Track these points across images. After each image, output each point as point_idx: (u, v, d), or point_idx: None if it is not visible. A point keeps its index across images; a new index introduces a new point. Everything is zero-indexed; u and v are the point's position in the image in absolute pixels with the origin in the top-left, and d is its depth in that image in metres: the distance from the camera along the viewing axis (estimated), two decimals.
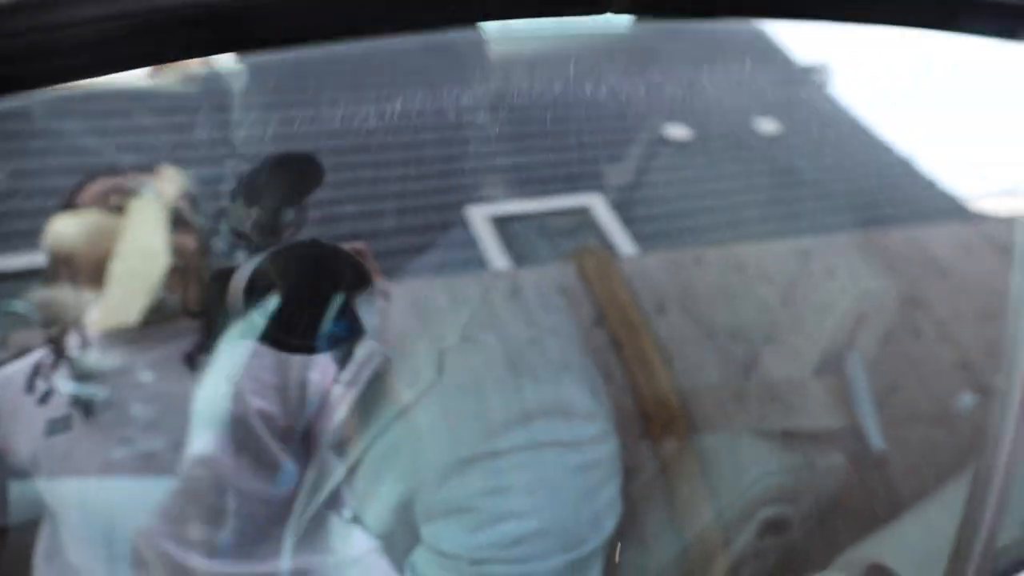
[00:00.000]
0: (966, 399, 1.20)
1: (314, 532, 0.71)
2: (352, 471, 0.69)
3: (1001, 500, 0.58)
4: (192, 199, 1.58)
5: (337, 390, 0.75)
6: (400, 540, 0.67)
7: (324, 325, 0.68)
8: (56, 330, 1.60)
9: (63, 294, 1.73)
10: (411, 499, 0.65)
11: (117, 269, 1.54)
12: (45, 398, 0.96)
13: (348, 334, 0.73)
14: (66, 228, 1.81)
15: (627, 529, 0.70)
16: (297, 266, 1.63)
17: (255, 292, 1.87)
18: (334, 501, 0.70)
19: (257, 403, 0.80)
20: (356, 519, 0.69)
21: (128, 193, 1.79)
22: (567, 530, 0.63)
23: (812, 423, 0.76)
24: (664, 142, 1.53)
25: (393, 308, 0.73)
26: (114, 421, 1.02)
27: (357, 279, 0.69)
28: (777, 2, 0.65)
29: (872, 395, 0.75)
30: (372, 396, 0.69)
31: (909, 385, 0.91)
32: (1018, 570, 0.60)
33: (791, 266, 0.84)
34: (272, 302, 1.52)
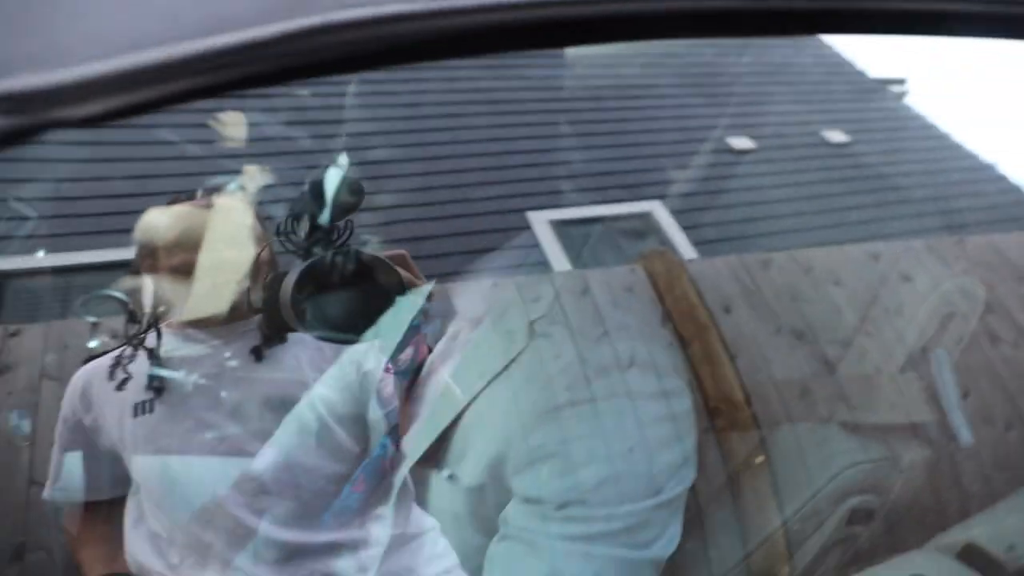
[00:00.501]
0: None
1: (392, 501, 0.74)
2: (446, 434, 0.72)
3: None
4: (274, 196, 1.64)
5: (390, 378, 0.79)
6: (491, 494, 0.71)
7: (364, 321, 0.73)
8: (146, 317, 1.66)
9: (153, 283, 1.79)
10: (504, 453, 0.69)
11: (206, 261, 1.60)
12: (122, 385, 1.01)
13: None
14: (158, 220, 1.87)
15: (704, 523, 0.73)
16: (338, 272, 1.69)
17: (302, 294, 1.94)
18: (430, 459, 0.73)
19: (320, 390, 0.85)
20: (452, 476, 0.73)
21: (215, 189, 1.85)
22: (648, 475, 0.65)
23: (899, 417, 0.78)
24: (729, 151, 1.56)
25: (458, 304, 0.77)
26: (193, 405, 1.07)
27: (392, 283, 0.75)
28: (847, 19, 0.68)
29: (957, 392, 0.77)
30: (462, 369, 0.73)
31: (983, 389, 0.93)
32: None
33: (862, 269, 0.86)
34: (322, 302, 1.58)
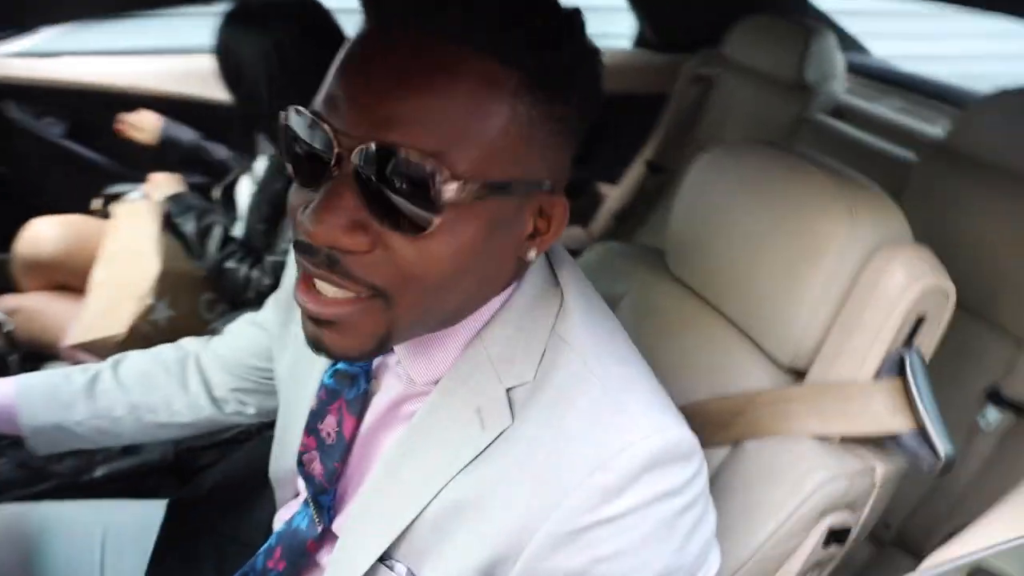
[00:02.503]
0: (990, 415, 1.21)
1: None
2: (409, 524, 0.60)
3: None
4: (184, 204, 1.50)
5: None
6: None
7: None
8: (28, 338, 1.48)
9: (36, 301, 1.61)
10: (501, 562, 0.57)
11: (100, 276, 1.45)
12: None
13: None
14: (44, 232, 1.70)
15: None
16: (254, 289, 1.55)
17: (212, 313, 1.78)
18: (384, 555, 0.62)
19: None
20: (412, 572, 0.62)
21: (114, 197, 1.69)
22: (676, 570, 0.56)
23: (874, 427, 0.73)
24: None
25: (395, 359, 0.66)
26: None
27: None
28: None
29: (935, 399, 0.72)
30: (415, 448, 0.62)
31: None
32: None
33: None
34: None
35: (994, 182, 1.20)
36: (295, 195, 0.54)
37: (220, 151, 1.76)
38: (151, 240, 1.43)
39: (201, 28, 1.85)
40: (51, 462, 1.18)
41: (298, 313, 0.59)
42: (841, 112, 1.78)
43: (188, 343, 0.96)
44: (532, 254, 0.57)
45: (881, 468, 0.75)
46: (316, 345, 0.56)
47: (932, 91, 1.84)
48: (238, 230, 1.55)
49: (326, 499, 0.70)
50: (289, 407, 0.77)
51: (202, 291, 1.48)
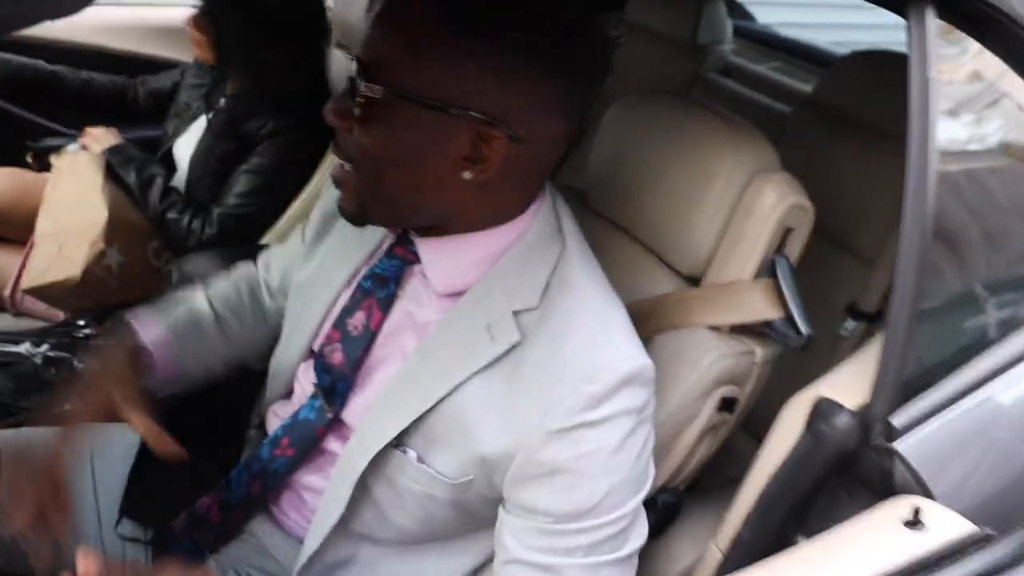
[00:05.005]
0: (849, 324, 1.45)
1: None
2: (423, 415, 0.75)
3: (904, 349, 0.77)
4: (125, 156, 1.56)
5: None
6: (475, 487, 0.75)
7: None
8: None
9: None
10: (498, 461, 0.72)
11: (45, 225, 1.49)
12: None
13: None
14: None
15: None
16: (195, 237, 1.66)
17: (160, 260, 1.88)
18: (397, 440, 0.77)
19: None
20: (421, 459, 0.76)
21: (50, 150, 1.72)
22: (635, 479, 0.73)
23: (755, 316, 0.93)
24: None
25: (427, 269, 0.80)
26: None
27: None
28: None
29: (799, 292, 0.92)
30: (434, 351, 0.76)
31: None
32: (913, 397, 0.79)
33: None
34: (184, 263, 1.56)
35: (852, 131, 1.43)
36: None
37: (82, 75, 1.79)
38: (95, 189, 1.48)
39: None
40: (16, 398, 1.24)
41: (334, 229, 0.88)
42: (729, 71, 2.00)
43: (247, 270, 1.09)
44: (467, 175, 0.70)
45: (760, 351, 0.95)
46: (338, 202, 0.77)
47: (805, 53, 2.08)
48: (177, 181, 1.62)
49: (342, 386, 0.83)
50: (304, 310, 0.90)
51: (150, 239, 1.54)
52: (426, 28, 0.66)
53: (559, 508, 0.70)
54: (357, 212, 0.76)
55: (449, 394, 0.73)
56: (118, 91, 1.80)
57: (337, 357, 0.84)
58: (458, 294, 0.77)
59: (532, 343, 0.72)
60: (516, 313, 0.73)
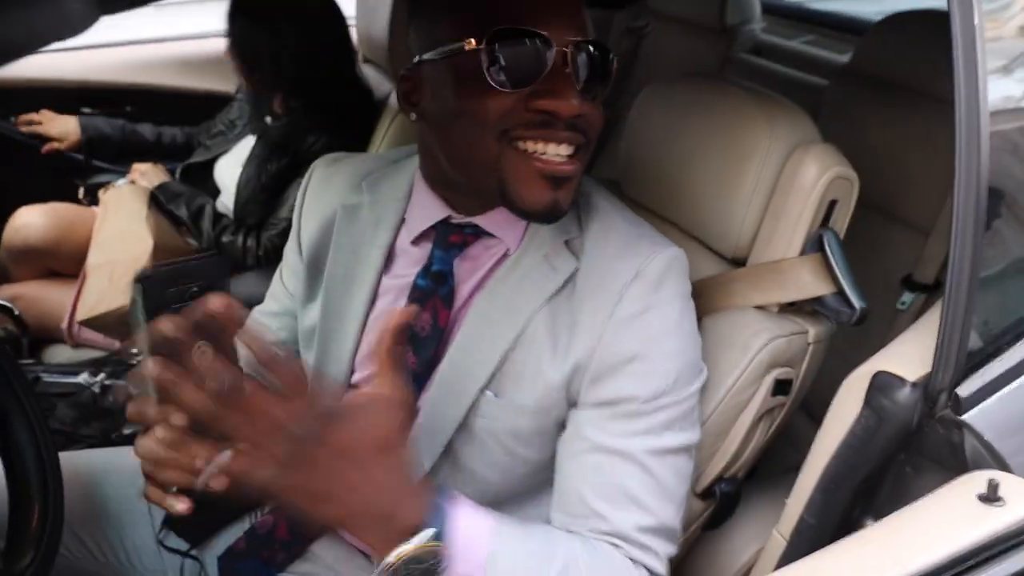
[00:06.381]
0: (906, 297, 1.40)
1: None
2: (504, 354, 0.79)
3: (966, 318, 0.73)
4: (172, 192, 1.59)
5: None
6: (554, 410, 0.79)
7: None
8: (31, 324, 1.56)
9: (32, 289, 1.68)
10: (580, 368, 0.77)
11: (96, 259, 1.54)
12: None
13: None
14: (31, 221, 1.77)
15: None
16: (252, 256, 1.69)
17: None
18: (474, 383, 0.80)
19: None
20: (499, 396, 0.79)
21: (99, 186, 1.77)
22: (695, 362, 0.80)
23: (804, 294, 0.89)
24: None
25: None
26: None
27: None
28: None
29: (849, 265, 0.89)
30: (502, 299, 0.80)
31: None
32: (979, 367, 0.75)
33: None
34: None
35: (893, 97, 1.38)
36: (499, 101, 0.72)
37: (168, 133, 1.86)
38: (140, 221, 1.52)
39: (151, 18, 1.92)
40: (78, 426, 1.28)
41: (328, 259, 0.88)
42: (760, 49, 1.95)
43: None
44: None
45: (813, 330, 0.92)
46: (551, 208, 0.75)
47: (839, 24, 2.02)
48: (220, 205, 1.65)
49: (418, 383, 0.82)
50: (326, 345, 0.89)
51: None
52: None
53: (641, 391, 0.75)
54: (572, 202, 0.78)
55: (524, 329, 0.78)
56: (187, 141, 1.86)
57: (408, 359, 0.83)
58: None
59: (583, 263, 0.79)
60: (567, 242, 0.80)
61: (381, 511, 0.59)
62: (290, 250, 0.99)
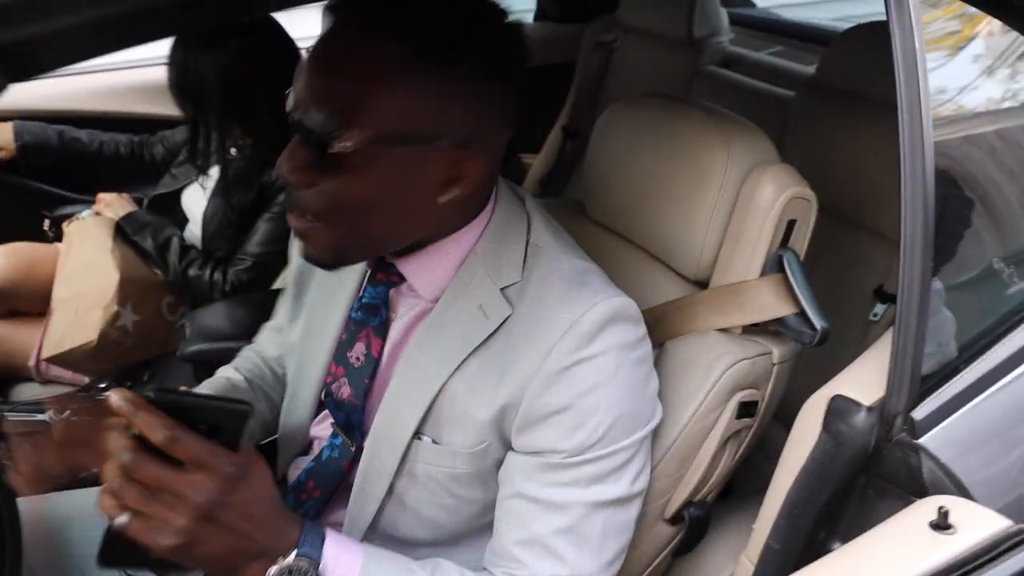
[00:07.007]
0: (878, 308, 1.40)
1: None
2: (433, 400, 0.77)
3: (917, 344, 0.73)
4: (139, 223, 1.57)
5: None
6: (491, 452, 0.78)
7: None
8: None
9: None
10: (504, 415, 0.75)
11: (61, 294, 1.52)
12: None
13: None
14: None
15: None
16: (218, 289, 1.66)
17: (175, 316, 1.88)
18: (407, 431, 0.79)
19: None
20: (436, 441, 0.79)
21: (62, 219, 1.74)
22: (635, 413, 0.76)
23: (765, 315, 0.89)
24: None
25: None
26: None
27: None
28: None
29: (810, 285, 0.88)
30: (432, 344, 0.79)
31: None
32: (934, 389, 0.75)
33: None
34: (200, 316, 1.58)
35: (858, 107, 1.38)
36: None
37: (111, 141, 1.82)
38: (106, 253, 1.50)
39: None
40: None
41: (312, 282, 0.89)
42: (728, 62, 1.96)
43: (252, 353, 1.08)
44: (445, 197, 0.73)
45: (777, 350, 0.91)
46: (305, 252, 0.76)
47: (806, 34, 2.03)
48: (189, 234, 1.63)
49: (357, 416, 0.84)
50: (303, 366, 0.91)
51: (163, 295, 1.56)
52: (386, 68, 0.67)
53: (565, 445, 0.73)
54: (332, 258, 0.76)
55: (452, 375, 0.77)
56: (131, 151, 1.82)
57: (345, 391, 0.85)
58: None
59: (519, 310, 0.76)
60: (503, 289, 0.77)
61: (272, 549, 0.64)
62: (290, 270, 1.01)
